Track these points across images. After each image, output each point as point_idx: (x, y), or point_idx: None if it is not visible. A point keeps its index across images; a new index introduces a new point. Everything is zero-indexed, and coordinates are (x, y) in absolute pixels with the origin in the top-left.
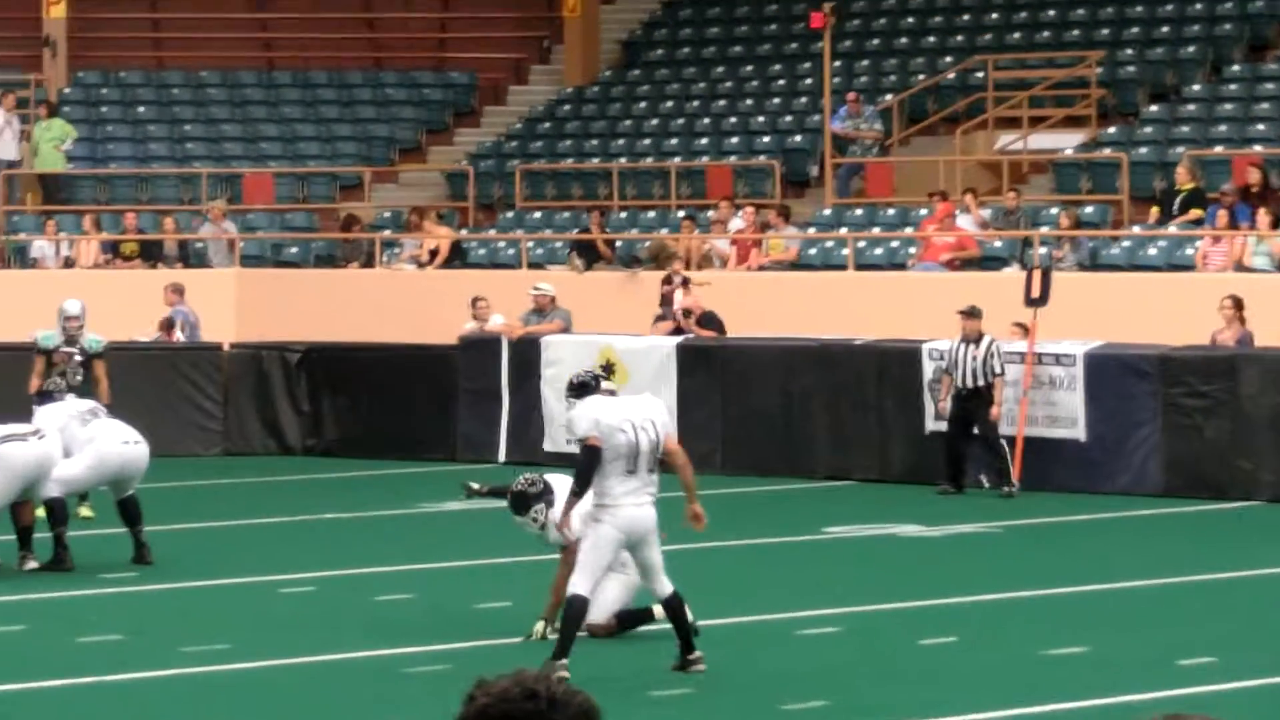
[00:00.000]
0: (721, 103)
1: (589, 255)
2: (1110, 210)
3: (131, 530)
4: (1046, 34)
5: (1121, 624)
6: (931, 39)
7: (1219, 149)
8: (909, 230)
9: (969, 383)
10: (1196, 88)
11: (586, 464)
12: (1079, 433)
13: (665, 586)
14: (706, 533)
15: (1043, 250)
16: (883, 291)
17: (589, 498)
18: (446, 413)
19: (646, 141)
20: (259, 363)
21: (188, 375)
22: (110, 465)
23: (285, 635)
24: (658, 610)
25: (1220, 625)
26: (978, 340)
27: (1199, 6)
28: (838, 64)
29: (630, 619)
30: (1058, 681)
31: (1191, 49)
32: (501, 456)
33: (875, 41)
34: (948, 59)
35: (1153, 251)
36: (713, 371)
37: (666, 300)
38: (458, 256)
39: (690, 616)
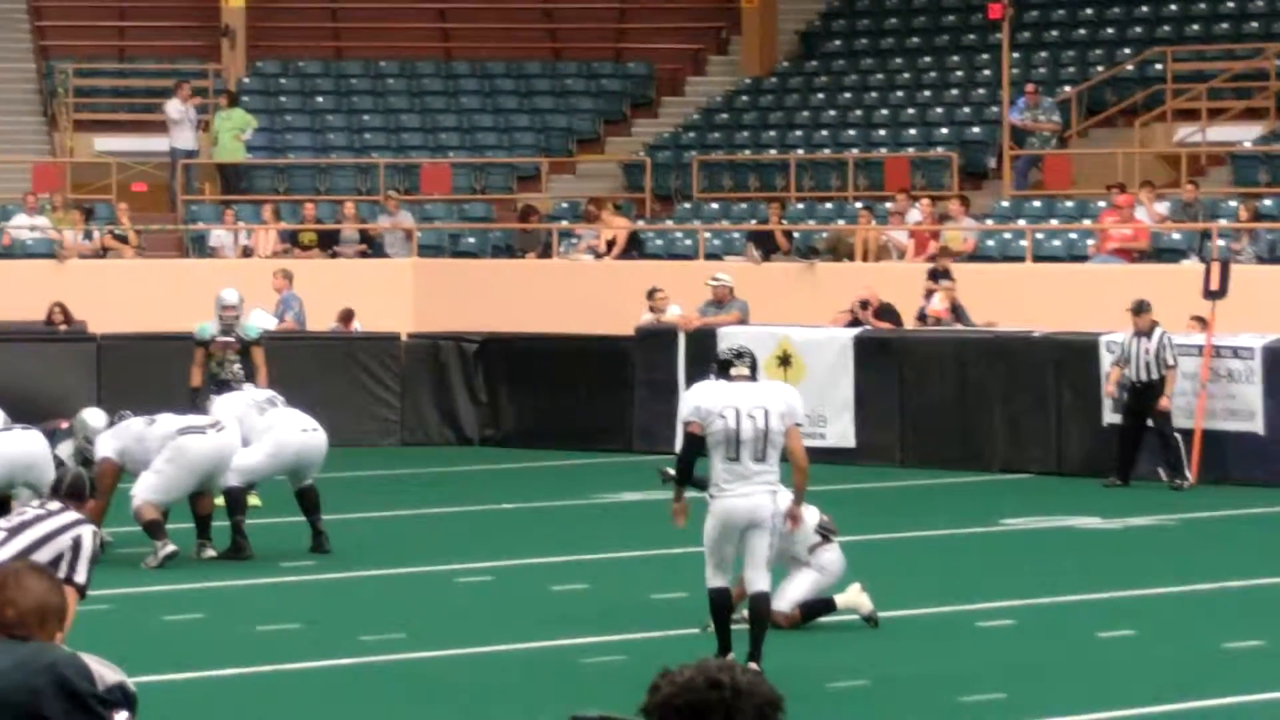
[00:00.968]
0: (899, 94)
1: (766, 246)
2: None
3: (309, 519)
4: (1225, 25)
5: None
6: (1110, 30)
7: None
8: (1087, 222)
9: (1142, 375)
10: None
11: (683, 451)
12: (1257, 426)
13: (758, 583)
14: (883, 524)
15: (1221, 243)
16: (1060, 283)
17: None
18: (623, 403)
19: (824, 132)
20: (436, 353)
21: (366, 365)
22: (288, 454)
23: (461, 625)
24: (840, 600)
25: None
26: (1149, 333)
27: None
28: (1016, 55)
29: (813, 610)
30: (1236, 675)
31: None
32: (678, 447)
33: (1053, 33)
34: (1126, 50)
35: None
36: (890, 363)
37: (928, 295)
38: (634, 247)
39: (870, 606)
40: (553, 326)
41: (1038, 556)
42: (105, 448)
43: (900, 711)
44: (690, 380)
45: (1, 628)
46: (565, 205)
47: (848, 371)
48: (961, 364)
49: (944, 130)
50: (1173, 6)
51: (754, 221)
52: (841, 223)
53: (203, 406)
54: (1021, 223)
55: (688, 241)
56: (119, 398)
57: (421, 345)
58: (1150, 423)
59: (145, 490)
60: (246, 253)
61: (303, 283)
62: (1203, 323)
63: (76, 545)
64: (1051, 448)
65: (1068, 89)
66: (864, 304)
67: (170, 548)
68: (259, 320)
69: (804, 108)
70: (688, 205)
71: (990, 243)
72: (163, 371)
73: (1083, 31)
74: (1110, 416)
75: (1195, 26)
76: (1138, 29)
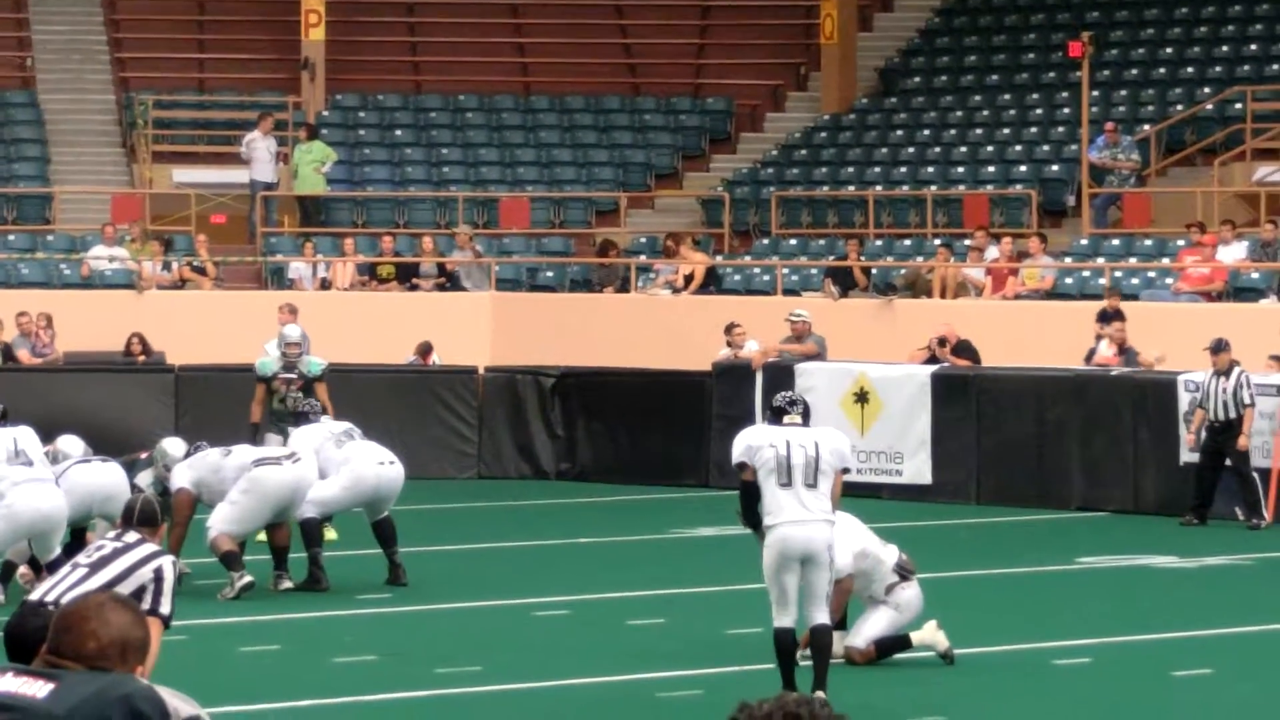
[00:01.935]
0: (978, 131)
1: (844, 282)
2: None
3: (386, 551)
4: None
5: None
6: (1190, 69)
7: None
8: (1165, 260)
9: (1220, 414)
10: None
11: (743, 503)
12: None
13: (817, 616)
14: (961, 561)
15: None
16: (1139, 322)
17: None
18: (700, 439)
19: (903, 169)
20: (514, 387)
21: (443, 399)
22: (365, 486)
23: (538, 658)
24: (916, 637)
25: None
26: (1228, 372)
27: None
28: (1095, 93)
29: (889, 646)
30: None
31: None
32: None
33: (1133, 71)
34: (1206, 89)
35: None
36: (968, 401)
37: (1097, 339)
38: (712, 282)
39: (946, 643)
40: (630, 361)
41: (1114, 595)
42: (181, 478)
43: None
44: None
45: (82, 659)
46: (643, 240)
47: (925, 408)
48: (1039, 402)
49: (1023, 168)
50: (1253, 46)
51: (832, 258)
52: (920, 260)
53: (262, 441)
54: (1100, 261)
55: (765, 277)
56: (196, 428)
57: (499, 379)
58: (1228, 462)
59: (221, 521)
60: (325, 285)
61: (380, 316)
62: None
63: (158, 576)
64: (1128, 486)
65: (1147, 127)
66: (942, 341)
67: (247, 579)
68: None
69: (883, 144)
70: (766, 241)
71: (1068, 280)
72: (240, 403)
73: (1162, 70)
74: (1187, 455)
75: (1275, 66)
76: (1217, 68)
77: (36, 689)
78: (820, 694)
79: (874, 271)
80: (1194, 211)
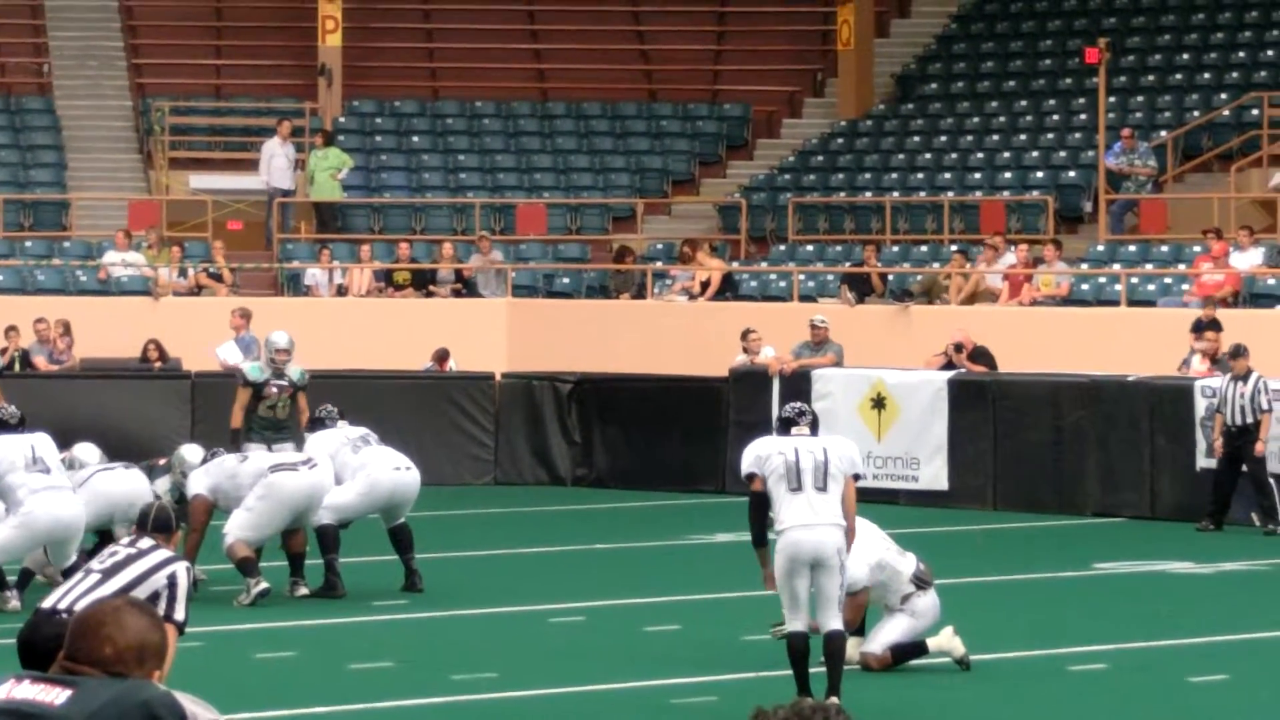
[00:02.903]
0: (995, 137)
1: (861, 288)
2: None
3: (402, 558)
4: None
5: None
6: (1207, 75)
7: None
8: (1182, 267)
9: (1238, 420)
10: None
11: (752, 514)
12: None
13: (830, 623)
14: (978, 567)
15: None
16: (1155, 328)
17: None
18: (716, 445)
19: (919, 175)
20: (531, 393)
21: (460, 405)
22: (381, 492)
23: (554, 665)
24: (932, 643)
25: None
26: (1245, 377)
27: None
28: (1112, 99)
29: (905, 652)
30: None
31: None
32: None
33: (1150, 77)
34: (1223, 95)
35: None
36: (984, 407)
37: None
38: (729, 288)
39: (962, 649)
40: (647, 367)
41: (1130, 601)
42: (198, 484)
43: None
44: None
45: (99, 665)
46: (660, 246)
47: (941, 414)
48: (1056, 408)
49: (1039, 174)
50: (1270, 52)
51: (848, 264)
52: (936, 266)
53: (241, 448)
54: (1116, 267)
55: (782, 283)
56: (213, 435)
57: (516, 385)
58: (1244, 467)
59: (237, 528)
60: (341, 291)
61: (397, 322)
62: None
63: (172, 582)
64: (1145, 492)
65: (1164, 133)
66: (958, 347)
67: (263, 585)
68: (230, 354)
69: (899, 150)
70: (782, 247)
71: (1085, 286)
72: None
73: (1179, 76)
74: (1204, 461)
75: None
76: (1234, 74)
77: (54, 696)
78: (834, 699)
79: (890, 278)
80: (1211, 218)
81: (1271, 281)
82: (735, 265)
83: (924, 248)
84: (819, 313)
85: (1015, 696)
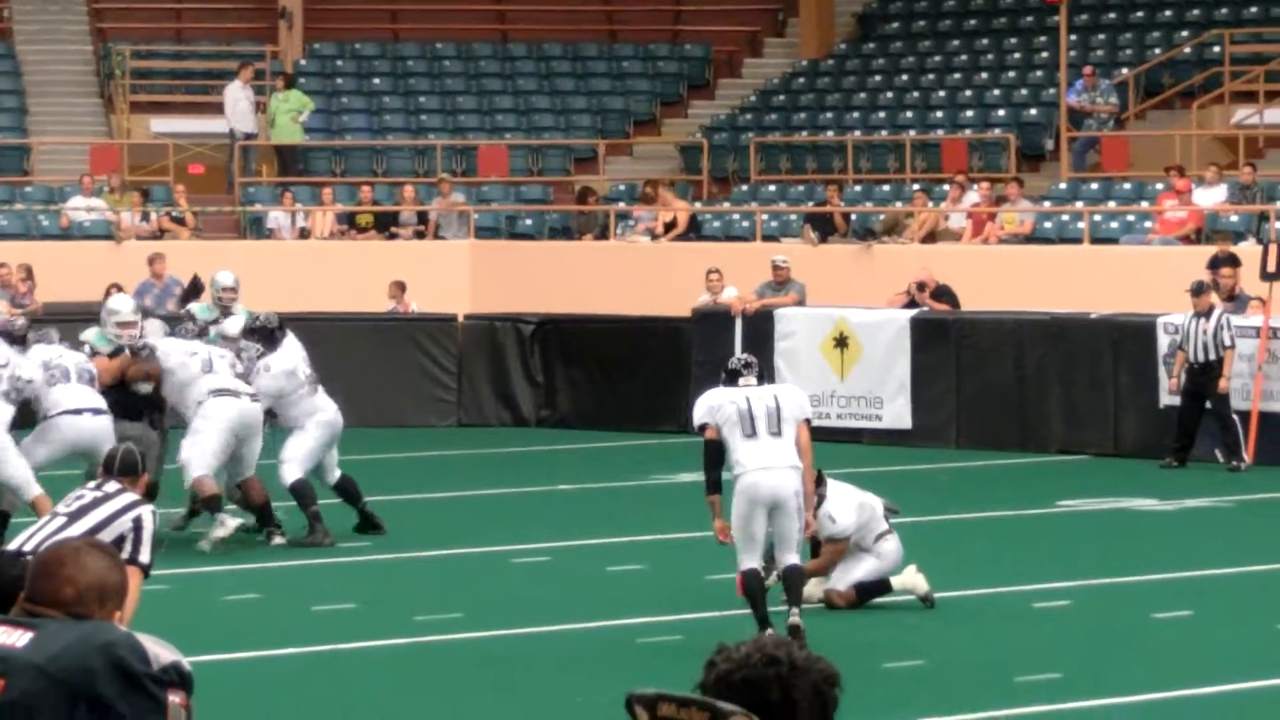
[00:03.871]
0: (956, 76)
1: (824, 228)
2: None
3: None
4: None
5: None
6: (1168, 13)
7: None
8: (1144, 205)
9: (1200, 356)
10: None
11: (706, 462)
12: None
13: (788, 558)
14: (941, 506)
15: (1279, 225)
16: (1118, 265)
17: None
18: (680, 385)
19: (881, 115)
20: (493, 334)
21: (423, 347)
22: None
23: (518, 605)
24: (896, 581)
25: None
26: (1208, 314)
27: None
28: (1073, 38)
29: (869, 590)
30: None
31: None
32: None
33: (1111, 15)
34: (1184, 33)
35: None
36: (947, 345)
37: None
38: (692, 229)
39: (926, 587)
40: (609, 308)
41: (1094, 538)
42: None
43: (956, 691)
44: None
45: (60, 605)
46: (622, 187)
47: (904, 353)
48: (1019, 346)
49: (1001, 112)
50: None
51: (811, 204)
52: (899, 205)
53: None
54: (1079, 205)
55: (745, 224)
56: None
57: (478, 327)
58: (1208, 404)
59: (197, 463)
60: (304, 234)
61: (359, 265)
62: (1261, 304)
63: (138, 526)
64: (1109, 429)
65: (1125, 71)
66: (921, 285)
67: (237, 521)
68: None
69: (861, 90)
70: (745, 187)
71: (1048, 225)
72: None
73: (1140, 14)
74: (1167, 398)
75: (1253, 9)
76: (1195, 11)
77: (16, 638)
78: (796, 618)
79: (853, 217)
80: (1173, 155)
81: (1235, 219)
82: (698, 206)
83: (886, 187)
84: (781, 252)
85: (980, 634)
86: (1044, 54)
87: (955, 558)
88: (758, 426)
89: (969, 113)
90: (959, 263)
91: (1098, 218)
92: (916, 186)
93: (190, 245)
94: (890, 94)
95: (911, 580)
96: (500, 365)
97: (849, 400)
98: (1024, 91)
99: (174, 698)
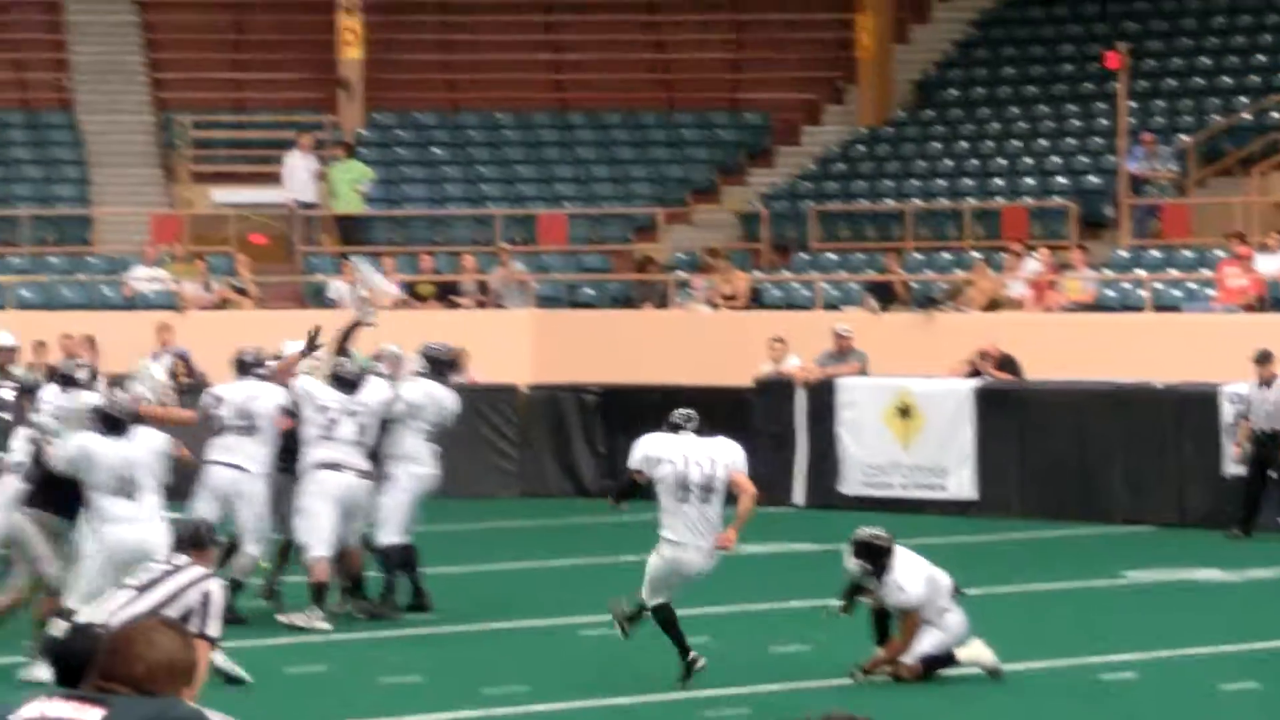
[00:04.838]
0: (1016, 143)
1: (884, 297)
2: None
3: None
4: None
5: None
6: (1227, 79)
7: None
8: (1206, 272)
9: (1265, 425)
10: None
11: (621, 482)
12: None
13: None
14: (1005, 577)
15: None
16: (1181, 333)
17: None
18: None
19: (941, 182)
20: (555, 404)
21: (485, 416)
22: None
23: (585, 677)
24: (962, 654)
25: None
26: (1271, 383)
27: None
28: (1133, 104)
29: (936, 662)
30: None
31: None
32: (798, 499)
33: (1171, 81)
34: (1243, 99)
35: None
36: (1010, 415)
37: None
38: (752, 298)
39: (993, 659)
40: (670, 377)
41: (1159, 609)
42: None
43: None
44: (812, 432)
45: (131, 683)
46: (683, 256)
47: (967, 423)
48: (1082, 415)
49: (1061, 179)
50: None
51: (871, 272)
52: (959, 273)
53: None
54: (1140, 272)
55: (806, 292)
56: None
57: (540, 397)
58: (1273, 473)
59: (318, 541)
60: None
61: (421, 334)
62: None
63: (205, 600)
64: (1173, 499)
65: (1184, 137)
66: (984, 355)
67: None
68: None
69: (920, 157)
70: (805, 256)
71: (1110, 292)
72: None
73: (1200, 80)
74: (1232, 467)
75: None
76: (1254, 77)
77: (87, 714)
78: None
79: (914, 285)
80: (1234, 222)
81: None
82: (758, 274)
83: (947, 254)
84: (843, 321)
85: (1046, 706)
86: (1103, 120)
87: (1021, 629)
88: (689, 496)
89: (1029, 180)
90: (1021, 331)
91: (1159, 285)
92: (977, 254)
93: (253, 315)
94: (950, 161)
95: (978, 653)
96: (562, 435)
97: (912, 470)
98: (1084, 158)
99: None
